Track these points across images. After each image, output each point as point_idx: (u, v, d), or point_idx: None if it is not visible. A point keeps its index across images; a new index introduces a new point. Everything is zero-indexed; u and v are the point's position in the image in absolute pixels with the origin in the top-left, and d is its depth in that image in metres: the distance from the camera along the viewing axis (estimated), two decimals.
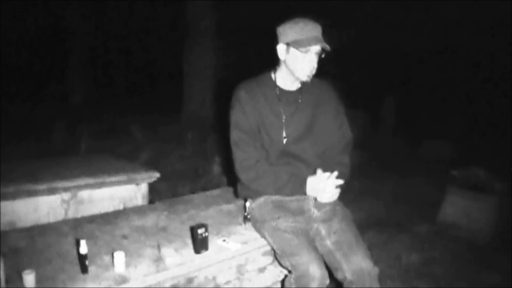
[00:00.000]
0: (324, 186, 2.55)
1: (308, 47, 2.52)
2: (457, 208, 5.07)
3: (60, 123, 8.59)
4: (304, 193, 2.64)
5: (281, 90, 2.72)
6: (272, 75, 2.76)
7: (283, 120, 2.69)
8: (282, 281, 2.67)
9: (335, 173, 2.55)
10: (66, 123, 8.87)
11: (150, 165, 5.08)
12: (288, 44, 2.57)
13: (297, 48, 2.54)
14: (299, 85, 2.73)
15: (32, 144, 7.65)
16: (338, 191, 2.59)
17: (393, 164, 7.61)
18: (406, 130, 9.49)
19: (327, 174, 2.56)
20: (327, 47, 2.52)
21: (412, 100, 11.27)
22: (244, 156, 2.66)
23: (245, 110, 2.65)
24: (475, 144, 8.63)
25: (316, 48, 2.54)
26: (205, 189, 3.95)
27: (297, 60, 2.57)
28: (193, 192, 3.90)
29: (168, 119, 9.73)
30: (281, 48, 2.61)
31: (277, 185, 2.66)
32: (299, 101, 2.73)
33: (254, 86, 2.72)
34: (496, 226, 4.93)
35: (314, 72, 2.63)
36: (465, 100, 11.35)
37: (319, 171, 2.59)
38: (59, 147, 7.72)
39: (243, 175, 2.71)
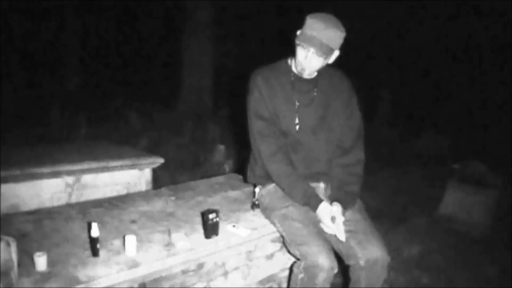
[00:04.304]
0: (331, 223, 2.55)
1: (303, 44, 2.47)
2: (457, 202, 5.10)
3: (57, 109, 8.53)
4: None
5: (296, 77, 2.69)
6: (289, 61, 2.73)
7: (296, 107, 2.67)
8: (291, 265, 2.67)
9: (343, 218, 2.55)
10: (63, 109, 8.82)
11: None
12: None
13: (297, 41, 2.51)
14: (315, 73, 2.69)
15: (30, 130, 7.60)
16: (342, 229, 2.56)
17: (390, 156, 7.62)
18: (403, 123, 9.51)
19: (339, 211, 2.56)
20: (317, 53, 2.46)
21: (409, 92, 11.29)
22: (269, 148, 2.65)
23: (263, 96, 2.64)
24: (472, 137, 8.66)
25: (314, 49, 2.46)
26: (204, 177, 3.94)
27: (297, 52, 2.54)
28: (192, 180, 3.89)
29: (165, 107, 9.70)
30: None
31: (291, 195, 2.67)
32: (314, 93, 2.71)
33: (270, 72, 2.70)
34: (495, 219, 4.98)
35: (312, 70, 2.59)
36: (462, 93, 11.38)
37: (335, 206, 2.58)
38: (57, 133, 7.68)
39: (270, 167, 2.69)
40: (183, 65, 9.51)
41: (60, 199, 3.78)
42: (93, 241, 2.24)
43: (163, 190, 3.39)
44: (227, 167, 5.99)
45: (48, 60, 13.67)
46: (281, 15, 10.93)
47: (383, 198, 5.69)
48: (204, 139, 7.55)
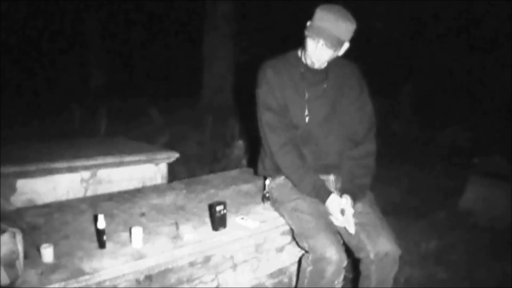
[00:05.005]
0: (340, 215, 2.54)
1: (313, 35, 2.44)
2: (477, 195, 5.01)
3: (78, 105, 8.63)
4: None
5: (306, 68, 2.65)
6: (299, 53, 2.69)
7: (305, 99, 2.64)
8: (300, 258, 2.65)
9: (352, 211, 2.53)
10: (85, 105, 8.92)
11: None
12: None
13: (307, 32, 2.48)
14: (326, 65, 2.64)
15: (52, 126, 7.71)
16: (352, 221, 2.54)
17: (410, 151, 7.53)
18: (424, 117, 9.39)
19: (348, 203, 2.54)
20: (327, 45, 2.43)
21: (430, 87, 11.15)
22: (278, 140, 2.63)
23: (272, 87, 2.61)
24: (493, 131, 8.50)
25: (324, 40, 2.43)
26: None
27: (307, 44, 2.51)
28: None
29: (186, 103, 9.73)
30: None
31: (300, 188, 2.65)
32: (325, 85, 2.67)
33: (280, 64, 2.68)
34: None
35: (322, 61, 2.56)
36: (483, 87, 11.20)
37: (344, 198, 2.56)
38: (78, 129, 7.77)
39: (279, 159, 2.67)
40: (204, 61, 9.53)
41: (76, 194, 3.80)
42: (100, 233, 2.25)
43: (175, 183, 3.41)
44: (245, 162, 5.98)
45: (72, 57, 13.83)
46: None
47: (403, 192, 5.63)
48: (224, 134, 7.55)
